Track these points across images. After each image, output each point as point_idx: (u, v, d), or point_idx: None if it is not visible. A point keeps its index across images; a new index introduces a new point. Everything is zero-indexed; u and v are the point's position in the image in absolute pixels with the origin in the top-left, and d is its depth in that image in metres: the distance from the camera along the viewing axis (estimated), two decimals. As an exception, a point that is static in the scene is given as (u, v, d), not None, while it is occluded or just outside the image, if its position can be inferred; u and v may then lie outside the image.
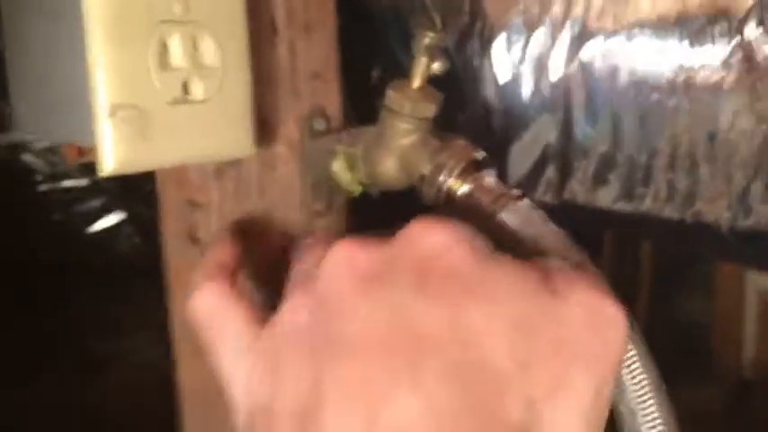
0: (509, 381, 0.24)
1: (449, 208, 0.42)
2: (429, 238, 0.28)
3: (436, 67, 0.41)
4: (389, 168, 0.44)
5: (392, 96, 0.43)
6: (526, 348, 0.25)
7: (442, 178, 0.41)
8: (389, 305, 0.25)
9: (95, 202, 1.04)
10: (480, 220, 0.40)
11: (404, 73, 0.44)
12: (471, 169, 0.42)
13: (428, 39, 0.41)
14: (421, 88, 0.43)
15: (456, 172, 0.41)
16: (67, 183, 1.01)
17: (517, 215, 0.39)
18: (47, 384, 0.91)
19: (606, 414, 0.27)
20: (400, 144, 0.44)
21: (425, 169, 0.42)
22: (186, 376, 0.49)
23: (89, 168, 0.35)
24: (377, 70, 0.68)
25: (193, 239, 0.47)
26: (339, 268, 0.27)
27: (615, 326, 0.28)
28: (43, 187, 1.01)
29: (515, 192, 0.41)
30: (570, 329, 0.26)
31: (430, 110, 0.43)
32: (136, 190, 1.04)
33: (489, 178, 0.42)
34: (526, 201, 0.40)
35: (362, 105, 0.57)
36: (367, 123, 0.48)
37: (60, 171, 1.01)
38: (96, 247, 1.05)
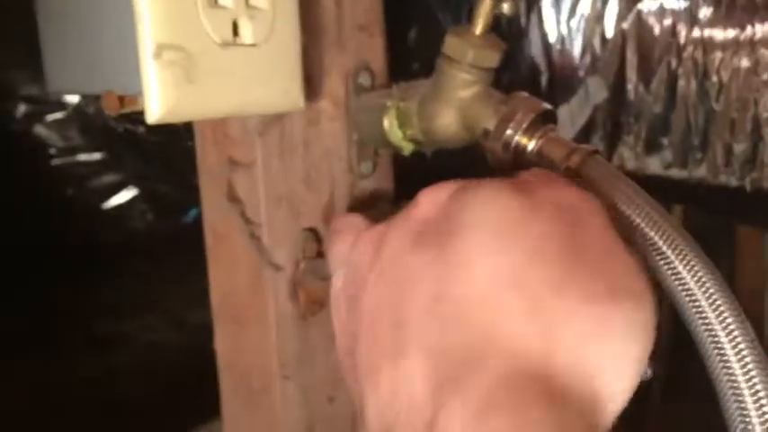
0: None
1: (517, 164, 0.38)
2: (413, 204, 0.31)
3: (506, 7, 0.37)
4: (448, 123, 0.41)
5: (452, 43, 0.39)
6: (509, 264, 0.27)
7: (509, 132, 0.38)
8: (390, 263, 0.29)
9: (110, 177, 1.01)
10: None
11: (443, 33, 0.40)
12: (539, 123, 0.38)
13: (493, -21, 0.38)
14: (483, 35, 0.39)
15: (524, 125, 0.38)
16: (82, 157, 0.98)
17: (591, 171, 0.36)
18: (55, 362, 0.89)
19: None
20: (460, 96, 0.40)
21: (489, 124, 0.39)
22: (223, 342, 0.46)
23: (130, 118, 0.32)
24: (414, 30, 0.64)
25: (233, 199, 0.44)
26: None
27: (595, 215, 0.29)
28: (57, 161, 0.97)
29: (588, 146, 0.38)
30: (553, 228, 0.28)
31: (493, 59, 0.40)
32: (151, 164, 1.01)
33: (557, 132, 0.39)
34: (599, 156, 0.37)
35: (399, 65, 0.53)
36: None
37: (74, 144, 0.98)
38: (110, 223, 1.03)
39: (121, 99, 0.34)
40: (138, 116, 0.34)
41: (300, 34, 0.39)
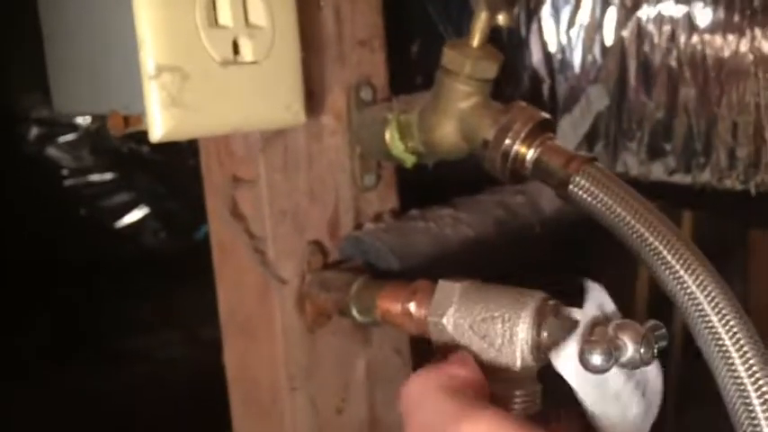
0: None
1: (516, 173, 0.39)
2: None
3: (501, 19, 0.38)
4: (448, 134, 0.42)
5: (450, 56, 0.40)
6: None
7: (508, 142, 0.38)
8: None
9: (122, 197, 1.02)
10: (552, 182, 0.37)
11: (444, 44, 0.41)
12: (538, 131, 0.39)
13: (489, -8, 0.38)
14: (481, 47, 0.40)
15: (522, 135, 0.38)
16: (93, 177, 1.00)
17: (590, 179, 0.37)
18: (72, 378, 0.90)
19: None
20: (459, 108, 0.41)
21: (488, 134, 0.39)
22: (232, 355, 0.46)
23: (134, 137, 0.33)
24: (416, 42, 0.65)
25: (237, 215, 0.44)
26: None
27: None
28: (69, 182, 0.99)
29: (586, 154, 0.38)
30: None
31: (491, 70, 0.40)
32: (161, 184, 1.02)
33: (556, 140, 0.39)
34: (598, 163, 0.37)
35: (402, 79, 0.54)
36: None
37: (86, 165, 0.99)
38: (123, 241, 1.04)
39: (126, 119, 0.35)
40: (144, 136, 0.35)
41: (301, 50, 0.40)
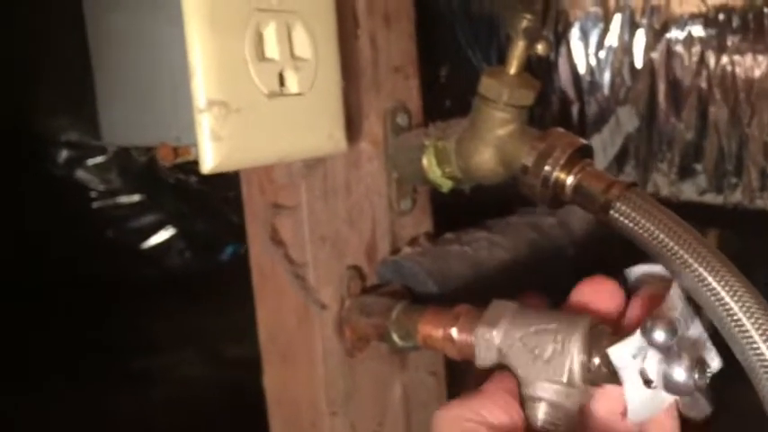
0: None
1: (556, 199, 0.39)
2: None
3: (541, 48, 0.38)
4: (486, 161, 0.42)
5: (488, 84, 0.41)
6: None
7: (548, 168, 0.39)
8: None
9: (148, 218, 1.03)
10: (593, 208, 0.38)
11: (473, 70, 0.42)
12: (576, 157, 0.39)
13: (526, 21, 0.39)
14: (518, 74, 0.40)
15: (562, 161, 0.39)
16: (122, 199, 1.01)
17: (631, 204, 0.37)
18: (96, 396, 0.91)
19: None
20: (497, 135, 0.41)
21: (527, 160, 0.40)
22: (272, 379, 0.47)
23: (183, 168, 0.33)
24: (445, 68, 0.66)
25: (277, 241, 0.45)
26: None
27: None
28: (98, 204, 1.00)
29: (626, 180, 0.39)
30: None
31: (529, 97, 0.41)
32: (188, 205, 1.03)
33: (595, 166, 0.40)
34: (638, 189, 0.38)
35: (432, 103, 0.55)
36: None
37: (114, 187, 1.01)
38: (149, 262, 1.05)
39: (175, 150, 0.36)
40: (193, 166, 0.35)
41: (341, 80, 0.41)
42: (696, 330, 0.33)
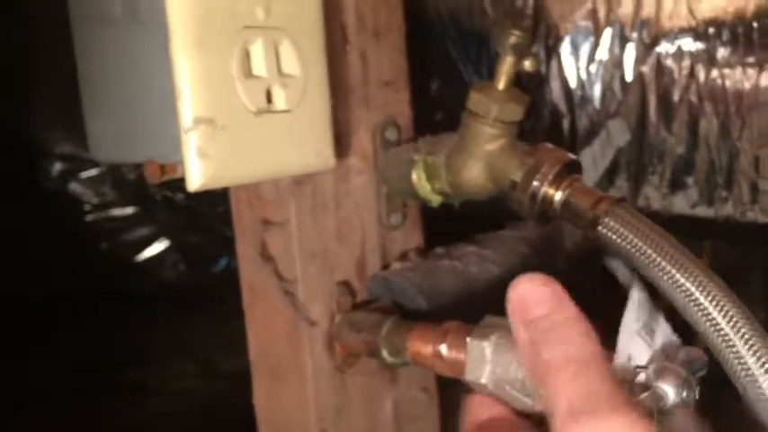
0: None
1: (544, 215, 0.39)
2: None
3: (528, 64, 0.39)
4: (475, 176, 0.42)
5: (476, 99, 0.41)
6: None
7: (536, 184, 0.39)
8: None
9: (142, 231, 1.03)
10: (581, 224, 0.38)
11: (464, 84, 0.42)
12: (565, 173, 0.39)
13: (514, 37, 0.39)
14: (507, 90, 0.40)
15: (550, 177, 0.39)
16: (115, 212, 1.01)
17: (619, 220, 0.37)
18: (90, 407, 0.90)
19: None
20: (486, 150, 0.41)
21: (516, 176, 0.40)
22: (262, 395, 0.47)
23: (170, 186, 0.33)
24: (435, 82, 0.66)
25: (267, 257, 0.45)
26: None
27: None
28: (91, 217, 1.00)
29: (614, 195, 0.39)
30: None
31: (518, 112, 0.41)
32: (181, 218, 1.03)
33: (583, 181, 0.40)
34: (626, 204, 0.38)
35: (422, 117, 0.55)
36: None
37: (107, 200, 1.01)
38: (143, 274, 1.05)
39: (162, 167, 0.36)
40: (180, 183, 0.35)
41: (330, 96, 0.41)
42: (664, 333, 0.33)
